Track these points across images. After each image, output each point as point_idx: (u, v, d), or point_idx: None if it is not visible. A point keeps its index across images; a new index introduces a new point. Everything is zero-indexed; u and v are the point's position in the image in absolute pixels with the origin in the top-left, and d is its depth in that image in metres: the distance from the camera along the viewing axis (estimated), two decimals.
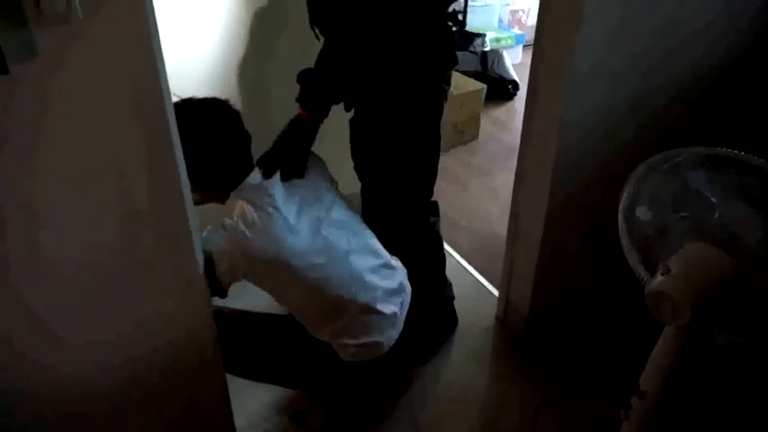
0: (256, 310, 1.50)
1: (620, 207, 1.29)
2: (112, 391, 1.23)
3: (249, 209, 1.29)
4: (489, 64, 3.77)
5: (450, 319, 2.01)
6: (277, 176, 1.36)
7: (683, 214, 1.22)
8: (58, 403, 1.18)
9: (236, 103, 1.39)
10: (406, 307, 1.54)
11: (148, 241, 1.09)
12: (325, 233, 1.36)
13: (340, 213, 1.44)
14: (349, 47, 1.41)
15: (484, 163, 3.09)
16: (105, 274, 1.07)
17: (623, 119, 1.65)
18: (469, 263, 2.34)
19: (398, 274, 1.54)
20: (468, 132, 3.22)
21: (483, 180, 2.94)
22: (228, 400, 1.44)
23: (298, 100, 1.44)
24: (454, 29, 1.57)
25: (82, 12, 0.84)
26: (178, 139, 1.06)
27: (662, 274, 1.09)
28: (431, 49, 1.52)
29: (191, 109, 1.27)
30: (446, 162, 3.13)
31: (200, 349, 1.30)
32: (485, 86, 3.20)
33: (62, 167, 0.94)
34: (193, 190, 1.19)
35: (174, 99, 1.36)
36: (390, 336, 1.47)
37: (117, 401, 1.25)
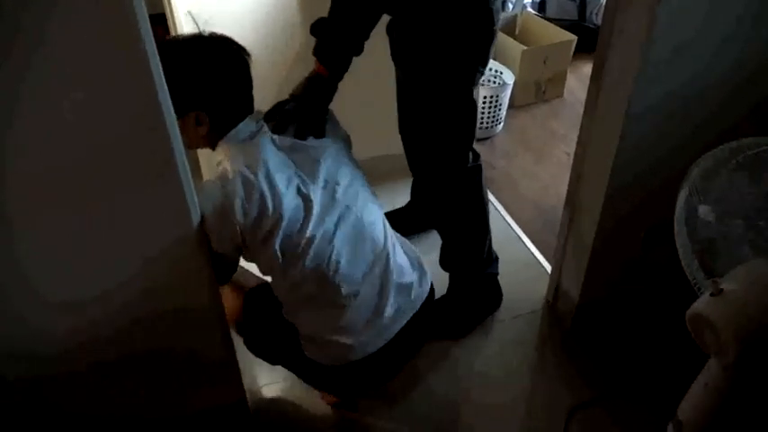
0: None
1: (679, 199, 1.07)
2: (111, 341, 1.22)
3: (235, 177, 1.18)
4: (589, 12, 3.36)
5: (492, 297, 1.85)
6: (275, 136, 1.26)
7: (760, 222, 0.98)
8: (57, 354, 1.20)
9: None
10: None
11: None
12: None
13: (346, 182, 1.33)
14: None
15: (564, 127, 2.78)
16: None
17: (713, 97, 1.37)
18: (528, 236, 2.13)
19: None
20: (550, 90, 2.92)
21: (560, 146, 2.66)
22: (233, 355, 1.40)
23: (314, 53, 1.32)
24: None
25: None
26: (164, 85, 0.97)
27: (711, 294, 0.88)
28: None
29: (192, 42, 1.22)
30: (521, 121, 2.87)
31: (197, 300, 1.26)
32: (575, 38, 2.85)
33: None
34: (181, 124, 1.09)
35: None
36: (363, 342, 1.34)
37: (116, 350, 1.25)
